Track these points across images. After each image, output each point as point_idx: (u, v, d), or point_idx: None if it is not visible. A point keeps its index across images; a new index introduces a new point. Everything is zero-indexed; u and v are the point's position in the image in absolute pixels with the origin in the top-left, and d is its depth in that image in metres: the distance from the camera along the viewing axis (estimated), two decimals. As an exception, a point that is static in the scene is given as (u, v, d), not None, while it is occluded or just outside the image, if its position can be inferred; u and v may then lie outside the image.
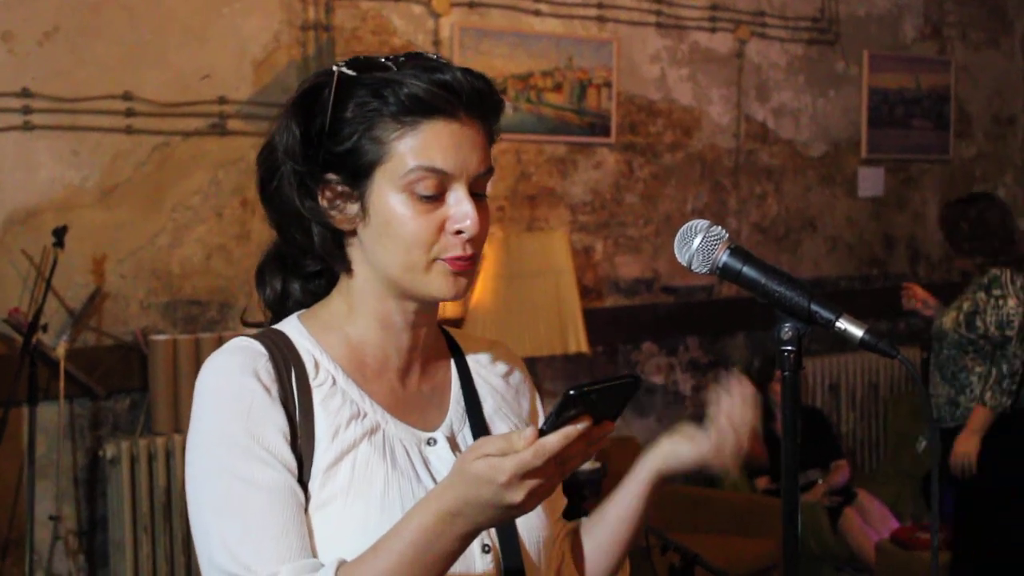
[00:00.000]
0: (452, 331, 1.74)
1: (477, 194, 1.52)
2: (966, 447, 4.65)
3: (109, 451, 4.48)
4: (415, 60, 1.52)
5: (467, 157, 1.49)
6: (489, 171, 1.53)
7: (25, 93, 4.37)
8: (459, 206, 1.49)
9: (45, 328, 4.25)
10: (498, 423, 1.66)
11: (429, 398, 1.63)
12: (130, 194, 4.59)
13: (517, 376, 1.75)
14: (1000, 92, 7.47)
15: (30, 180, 4.41)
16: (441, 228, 1.49)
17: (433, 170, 1.47)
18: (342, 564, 1.39)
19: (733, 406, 1.64)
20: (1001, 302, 4.68)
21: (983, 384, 4.70)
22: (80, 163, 4.49)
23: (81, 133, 4.48)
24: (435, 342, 1.67)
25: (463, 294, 1.53)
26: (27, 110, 4.37)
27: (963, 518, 4.75)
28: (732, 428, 1.63)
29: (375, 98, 1.48)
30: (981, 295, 4.73)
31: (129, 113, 4.55)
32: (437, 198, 1.49)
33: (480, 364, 1.71)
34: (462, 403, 1.65)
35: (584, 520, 1.75)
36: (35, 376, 4.21)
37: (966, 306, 4.78)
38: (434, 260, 1.50)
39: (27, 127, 4.38)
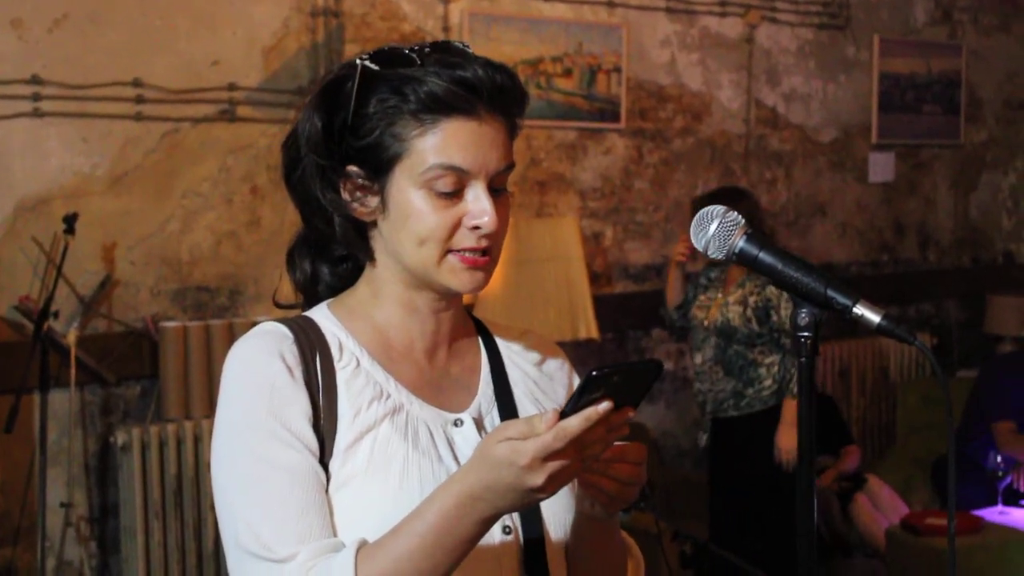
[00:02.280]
0: (483, 319, 1.75)
1: (496, 189, 1.52)
2: (789, 442, 4.67)
3: (120, 438, 4.49)
4: (439, 53, 1.52)
5: (487, 154, 1.50)
6: (510, 166, 1.54)
7: (35, 80, 4.37)
8: (477, 203, 1.50)
9: (56, 315, 4.26)
10: (528, 407, 1.65)
11: (457, 380, 1.63)
12: (140, 181, 4.59)
13: (552, 363, 1.74)
14: (1011, 77, 7.44)
15: (40, 167, 4.41)
16: (458, 224, 1.50)
17: (452, 168, 1.48)
18: (363, 545, 1.40)
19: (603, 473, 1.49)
20: None
21: (782, 376, 4.73)
22: (90, 150, 4.49)
23: (91, 120, 4.48)
24: (463, 326, 1.68)
25: (480, 287, 1.54)
26: (37, 97, 4.37)
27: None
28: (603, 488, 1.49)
29: (396, 95, 1.48)
30: (772, 289, 4.70)
31: (139, 100, 4.55)
32: (456, 194, 1.50)
33: (512, 350, 1.71)
34: (491, 385, 1.65)
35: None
36: (46, 363, 4.22)
37: (752, 300, 4.72)
38: (447, 253, 1.51)
39: (37, 114, 4.38)
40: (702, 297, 4.89)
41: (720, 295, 4.81)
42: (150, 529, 4.53)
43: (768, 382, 4.74)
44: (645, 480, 1.49)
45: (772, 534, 4.72)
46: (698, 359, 4.86)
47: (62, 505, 4.39)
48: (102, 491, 4.61)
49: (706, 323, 4.79)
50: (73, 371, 4.29)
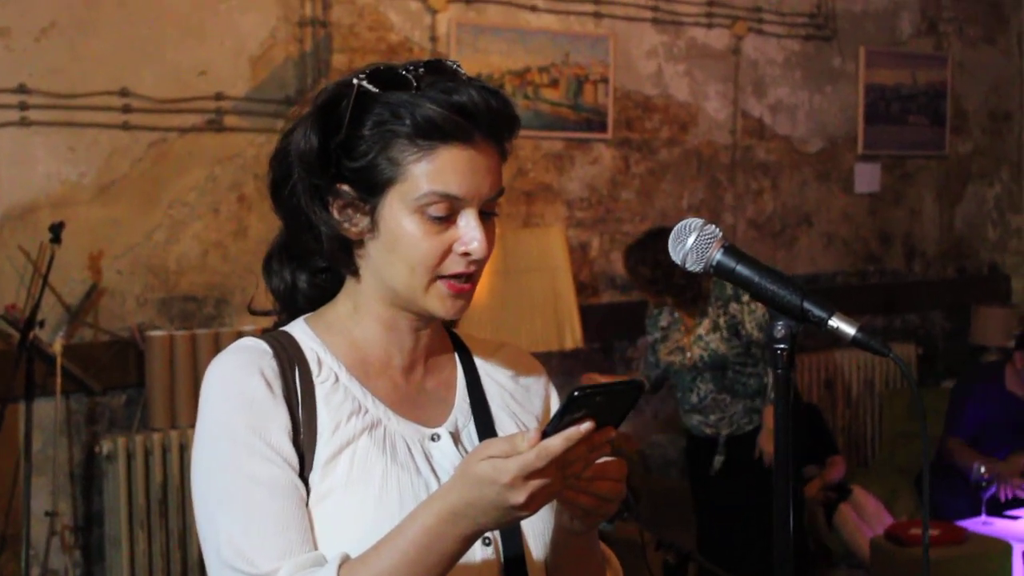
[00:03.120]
0: (460, 333, 1.76)
1: (486, 213, 1.54)
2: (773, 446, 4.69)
3: (105, 447, 4.49)
4: (435, 74, 1.52)
5: (481, 181, 1.51)
6: (500, 192, 1.55)
7: (22, 89, 4.37)
8: (468, 229, 1.51)
9: (42, 324, 4.26)
10: (505, 420, 1.67)
11: (434, 395, 1.64)
12: (127, 190, 4.60)
13: (528, 376, 1.75)
14: (996, 88, 7.48)
15: (27, 176, 4.41)
16: (449, 249, 1.51)
17: (447, 196, 1.49)
18: (345, 560, 1.41)
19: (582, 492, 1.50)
20: (752, 305, 4.66)
21: (765, 385, 4.77)
22: (77, 159, 4.49)
23: (78, 129, 4.48)
24: (440, 342, 1.69)
25: (459, 314, 1.56)
26: (24, 106, 4.38)
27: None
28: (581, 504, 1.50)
29: (393, 118, 1.49)
30: (733, 305, 4.72)
31: (126, 109, 4.56)
32: (448, 219, 1.51)
33: (487, 363, 1.72)
34: (468, 400, 1.66)
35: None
36: (32, 372, 4.21)
37: (722, 322, 4.74)
38: (434, 279, 1.52)
39: (24, 123, 4.38)
40: (668, 344, 4.86)
41: (687, 334, 4.81)
42: (135, 538, 4.52)
43: (764, 391, 4.77)
44: (624, 495, 1.49)
45: (760, 544, 4.73)
46: (694, 398, 4.84)
47: (47, 514, 4.39)
48: (87, 500, 4.60)
49: (689, 363, 4.78)
50: (59, 380, 4.29)
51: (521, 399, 1.72)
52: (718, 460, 4.84)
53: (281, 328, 1.62)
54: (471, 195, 1.50)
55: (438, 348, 1.68)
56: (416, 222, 1.50)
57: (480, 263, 1.54)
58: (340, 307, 1.62)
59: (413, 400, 1.61)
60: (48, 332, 4.38)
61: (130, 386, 4.64)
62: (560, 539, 1.59)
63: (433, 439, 1.59)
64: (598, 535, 1.64)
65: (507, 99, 1.55)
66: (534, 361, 1.79)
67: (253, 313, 1.72)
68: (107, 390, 4.59)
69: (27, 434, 4.23)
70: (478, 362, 1.71)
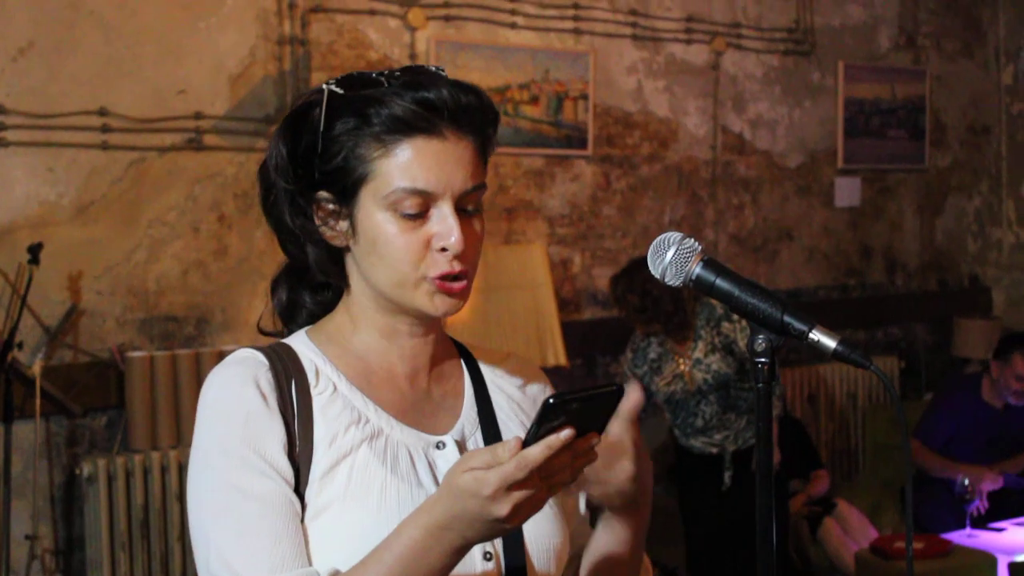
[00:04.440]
0: (465, 342, 1.75)
1: (467, 210, 1.52)
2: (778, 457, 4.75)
3: (86, 469, 4.46)
4: (408, 75, 1.52)
5: (451, 174, 1.49)
6: (479, 186, 1.53)
7: (0, 109, 4.36)
8: (443, 223, 1.49)
9: (20, 346, 4.23)
10: (513, 429, 1.65)
11: (440, 403, 1.63)
12: (106, 210, 4.58)
13: (535, 387, 1.75)
14: (975, 102, 7.51)
15: (5, 197, 4.39)
16: (427, 245, 1.50)
17: (415, 191, 1.48)
18: (334, 574, 1.40)
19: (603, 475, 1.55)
20: (743, 323, 4.68)
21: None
22: (55, 179, 4.48)
23: (56, 149, 4.47)
24: (444, 350, 1.67)
25: (453, 311, 1.54)
26: (1, 126, 4.36)
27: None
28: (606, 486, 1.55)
29: (359, 117, 1.49)
30: (726, 324, 4.75)
31: (105, 129, 4.54)
32: (421, 216, 1.49)
33: (495, 373, 1.71)
34: (475, 408, 1.65)
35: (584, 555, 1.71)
36: (10, 394, 4.19)
37: (717, 342, 4.76)
38: (422, 278, 1.51)
39: (2, 144, 4.37)
40: (664, 375, 4.83)
41: (682, 361, 4.80)
42: (116, 561, 4.49)
43: (774, 399, 4.78)
44: (648, 473, 1.53)
45: (748, 560, 4.73)
46: (699, 421, 4.83)
47: (27, 537, 4.35)
48: (68, 523, 4.57)
49: (692, 388, 4.78)
50: (38, 402, 4.26)
51: (528, 409, 1.71)
52: (728, 476, 4.84)
53: (281, 340, 1.61)
54: (441, 189, 1.49)
55: (443, 356, 1.66)
56: (390, 219, 1.49)
57: (465, 259, 1.51)
58: (338, 319, 1.62)
59: (419, 408, 1.60)
60: (27, 354, 4.36)
61: (110, 407, 4.62)
62: (605, 540, 1.61)
63: (438, 447, 1.57)
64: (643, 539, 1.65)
65: (481, 93, 1.53)
66: (539, 372, 1.79)
67: (263, 333, 1.71)
68: (87, 412, 4.56)
69: (6, 457, 4.20)
70: (484, 371, 1.70)
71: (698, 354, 4.73)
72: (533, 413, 1.68)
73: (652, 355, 4.86)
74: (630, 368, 4.93)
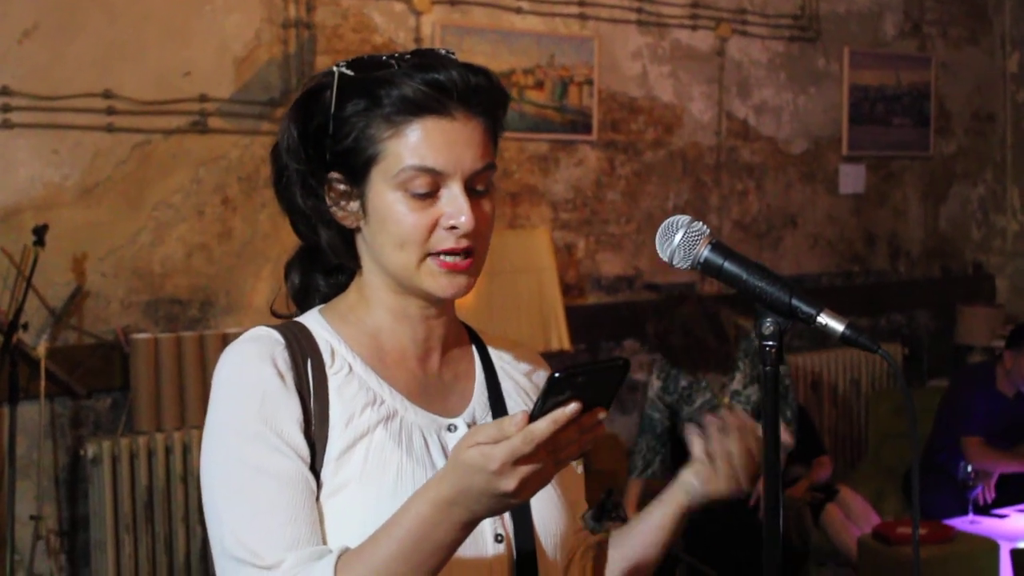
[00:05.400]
0: (476, 328, 1.76)
1: (476, 190, 1.53)
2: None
3: (90, 450, 4.47)
4: (418, 58, 1.53)
5: (461, 154, 1.50)
6: (489, 166, 1.54)
7: (4, 91, 4.35)
8: (453, 203, 1.50)
9: (26, 327, 4.24)
10: None
11: (452, 386, 1.64)
12: (111, 192, 4.58)
13: (541, 375, 1.77)
14: (980, 89, 7.50)
15: (10, 179, 4.39)
16: (436, 224, 1.50)
17: (425, 169, 1.49)
18: (344, 551, 1.40)
19: (718, 440, 1.67)
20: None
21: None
22: (60, 161, 4.47)
23: (61, 131, 4.46)
24: (456, 333, 1.68)
25: (462, 292, 1.54)
26: (6, 108, 4.36)
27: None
28: (718, 459, 1.66)
29: (370, 98, 1.50)
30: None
31: (110, 111, 4.54)
32: (431, 195, 1.50)
33: (504, 360, 1.73)
34: (486, 392, 1.66)
35: (613, 536, 1.77)
36: (15, 375, 4.19)
37: (757, 373, 4.74)
38: (425, 256, 1.51)
39: (7, 125, 4.36)
40: (696, 405, 4.78)
41: (718, 393, 4.75)
42: (120, 542, 4.50)
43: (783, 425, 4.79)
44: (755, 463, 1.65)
45: (747, 544, 4.73)
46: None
47: (32, 518, 4.36)
48: (72, 504, 4.58)
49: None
50: (43, 383, 4.27)
51: (534, 397, 1.71)
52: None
53: (295, 319, 1.62)
54: (451, 168, 1.50)
55: (454, 340, 1.67)
56: (400, 199, 1.50)
57: (474, 238, 1.52)
58: (351, 298, 1.62)
59: (431, 390, 1.61)
60: (32, 335, 4.36)
61: (115, 389, 4.62)
62: (666, 520, 1.71)
63: (450, 430, 1.58)
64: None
65: (490, 75, 1.54)
66: (544, 363, 1.80)
67: (275, 315, 1.71)
68: (92, 393, 4.57)
69: (11, 438, 4.21)
70: (494, 357, 1.72)
71: (736, 385, 4.71)
72: None
73: (683, 383, 4.81)
74: (658, 395, 4.88)
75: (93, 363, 4.54)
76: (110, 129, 4.56)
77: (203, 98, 4.74)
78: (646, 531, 1.73)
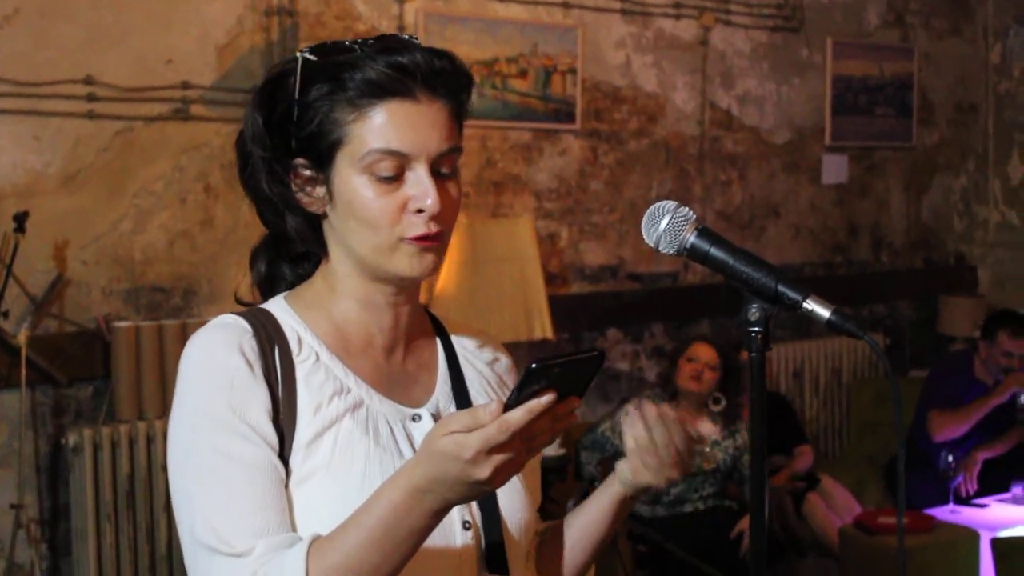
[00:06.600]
0: (439, 315, 1.76)
1: (442, 172, 1.53)
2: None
3: (71, 439, 4.45)
4: (381, 42, 1.53)
5: (426, 136, 1.50)
6: (454, 149, 1.54)
7: (-15, 77, 4.33)
8: (419, 185, 1.50)
9: (6, 315, 4.22)
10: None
11: (415, 376, 1.64)
12: (92, 179, 4.55)
13: (503, 364, 1.77)
14: (962, 80, 7.51)
15: (-10, 165, 4.36)
16: (403, 208, 1.50)
17: (390, 152, 1.49)
18: (315, 539, 1.40)
19: (639, 430, 1.66)
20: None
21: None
22: (41, 148, 4.45)
23: (42, 118, 4.44)
24: (420, 322, 1.69)
25: (429, 272, 1.54)
26: (-13, 94, 4.33)
27: None
28: (644, 449, 1.65)
29: (333, 82, 1.50)
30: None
31: (91, 98, 4.51)
32: (397, 178, 1.50)
33: (466, 348, 1.73)
34: (449, 382, 1.66)
35: (563, 521, 1.79)
36: (-4, 363, 4.18)
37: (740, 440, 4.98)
38: (399, 240, 1.51)
39: (-13, 112, 4.34)
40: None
41: (701, 436, 4.83)
42: (102, 531, 4.48)
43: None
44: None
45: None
46: (691, 501, 4.93)
47: (12, 507, 4.35)
48: (53, 493, 4.56)
49: (708, 467, 4.88)
50: (24, 371, 4.25)
51: (496, 387, 1.73)
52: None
53: (260, 306, 1.61)
54: (416, 150, 1.49)
55: (419, 330, 1.68)
56: (366, 183, 1.50)
57: (442, 221, 1.52)
58: (316, 286, 1.62)
59: (395, 380, 1.61)
60: (12, 323, 4.34)
61: (96, 378, 4.60)
62: (606, 510, 1.72)
63: (414, 419, 1.58)
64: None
65: (454, 58, 1.55)
66: (506, 352, 1.81)
67: (240, 303, 1.71)
68: (73, 382, 4.55)
69: (-8, 426, 4.20)
70: (457, 346, 1.72)
71: (716, 436, 4.84)
72: (501, 391, 1.72)
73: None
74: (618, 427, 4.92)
75: (74, 351, 4.52)
76: (91, 116, 4.53)
77: (185, 85, 4.71)
78: (585, 523, 1.75)
